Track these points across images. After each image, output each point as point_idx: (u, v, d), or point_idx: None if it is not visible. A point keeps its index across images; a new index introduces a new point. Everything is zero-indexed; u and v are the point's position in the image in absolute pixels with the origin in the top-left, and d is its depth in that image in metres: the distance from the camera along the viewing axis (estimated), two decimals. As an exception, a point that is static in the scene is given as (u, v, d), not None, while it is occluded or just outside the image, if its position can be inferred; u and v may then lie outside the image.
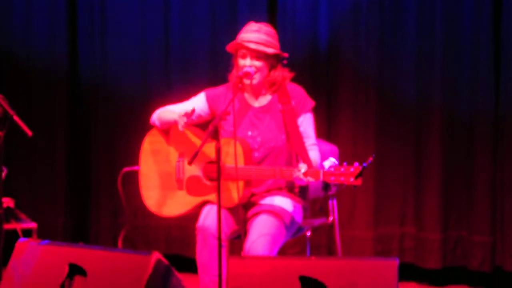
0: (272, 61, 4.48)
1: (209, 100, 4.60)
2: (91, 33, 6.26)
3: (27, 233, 5.38)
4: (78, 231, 6.34)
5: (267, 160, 4.46)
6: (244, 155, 4.36)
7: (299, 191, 4.56)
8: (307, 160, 4.27)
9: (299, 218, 4.53)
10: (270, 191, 4.51)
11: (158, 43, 6.15)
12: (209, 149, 4.32)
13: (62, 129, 6.29)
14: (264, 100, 4.55)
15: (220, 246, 3.98)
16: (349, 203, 5.85)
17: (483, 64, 5.57)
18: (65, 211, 6.30)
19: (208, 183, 4.46)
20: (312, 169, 4.16)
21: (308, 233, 4.78)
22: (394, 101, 5.80)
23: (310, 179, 4.15)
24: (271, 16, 5.92)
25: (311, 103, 4.54)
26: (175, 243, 6.16)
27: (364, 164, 4.03)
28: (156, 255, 3.94)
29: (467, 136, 5.67)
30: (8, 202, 5.51)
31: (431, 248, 5.72)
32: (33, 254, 4.11)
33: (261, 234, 4.27)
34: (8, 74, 6.30)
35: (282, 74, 4.51)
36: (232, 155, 4.29)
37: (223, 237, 4.31)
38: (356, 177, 4.07)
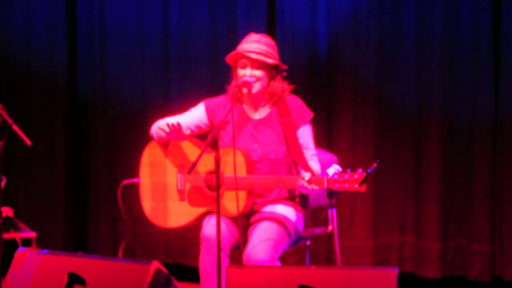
0: (272, 72, 4.48)
1: (208, 110, 4.60)
2: (91, 42, 6.26)
3: (26, 242, 5.37)
4: (77, 240, 6.34)
5: (268, 172, 4.46)
6: (246, 164, 4.36)
7: (300, 201, 4.56)
8: (308, 170, 4.28)
9: (300, 226, 4.53)
10: (273, 200, 4.51)
11: (157, 52, 6.16)
12: (210, 159, 4.32)
13: (61, 138, 6.29)
14: (264, 112, 4.56)
15: (219, 255, 3.98)
16: (348, 212, 5.85)
17: (483, 70, 5.58)
18: (65, 220, 6.29)
19: (210, 193, 4.46)
20: (316, 177, 4.17)
21: (308, 242, 4.78)
22: (393, 108, 5.80)
23: (315, 186, 4.17)
24: (270, 23, 5.93)
25: (310, 114, 4.55)
26: (174, 252, 6.15)
27: (369, 171, 4.03)
28: (155, 264, 3.94)
29: (466, 144, 5.67)
30: (7, 211, 5.50)
31: (431, 257, 5.72)
32: (32, 263, 4.11)
33: (263, 240, 4.27)
34: (7, 83, 6.30)
35: (282, 86, 4.52)
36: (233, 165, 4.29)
37: (226, 246, 4.32)
38: (361, 184, 4.08)
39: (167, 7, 6.11)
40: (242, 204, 4.33)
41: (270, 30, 5.88)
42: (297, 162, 4.39)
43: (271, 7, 5.96)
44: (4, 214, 5.40)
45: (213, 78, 5.96)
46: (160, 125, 4.55)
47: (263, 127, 4.52)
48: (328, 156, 4.97)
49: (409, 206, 5.81)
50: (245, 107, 4.57)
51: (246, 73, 4.43)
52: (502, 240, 5.59)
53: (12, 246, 4.93)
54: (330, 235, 4.86)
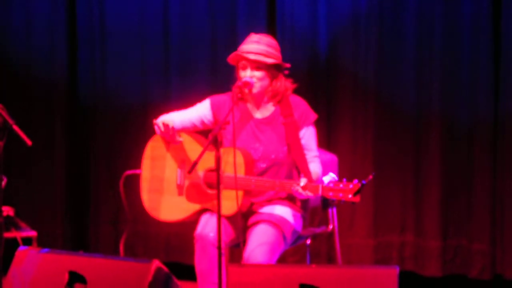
0: (273, 71, 4.48)
1: (213, 107, 4.61)
2: (91, 42, 6.26)
3: (27, 241, 5.37)
4: (78, 239, 6.34)
5: (269, 172, 4.46)
6: (245, 165, 4.36)
7: (299, 201, 4.56)
8: (307, 172, 4.28)
9: (298, 227, 4.53)
10: (270, 201, 4.51)
11: (158, 51, 6.16)
12: (211, 157, 4.32)
13: (61, 138, 6.29)
14: (267, 111, 4.55)
15: (220, 254, 3.98)
16: (349, 211, 5.85)
17: (482, 71, 5.58)
18: (65, 219, 6.30)
19: (208, 190, 4.47)
20: (311, 184, 4.17)
21: (308, 241, 4.78)
22: (393, 109, 5.80)
23: (309, 193, 4.16)
24: (270, 25, 5.93)
25: (313, 116, 4.55)
26: (175, 251, 6.15)
27: (364, 182, 4.03)
28: (156, 263, 3.95)
29: (466, 144, 5.67)
30: (8, 210, 5.51)
31: (431, 256, 5.72)
32: (33, 262, 4.12)
33: (260, 243, 4.27)
34: (8, 83, 6.30)
35: (285, 84, 4.52)
36: (233, 164, 4.30)
37: (222, 245, 4.31)
38: (355, 194, 4.06)
39: (167, 7, 6.12)
40: (238, 203, 4.33)
41: (270, 31, 5.87)
42: (298, 163, 4.39)
43: (271, 9, 5.96)
44: (5, 213, 5.40)
45: (213, 78, 5.97)
46: (158, 122, 4.55)
47: (265, 127, 4.52)
48: (329, 156, 4.98)
49: (410, 205, 5.81)
50: (249, 105, 4.57)
51: (246, 74, 4.43)
52: (502, 239, 5.59)
53: (13, 245, 4.93)
54: (331, 234, 4.86)
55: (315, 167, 4.46)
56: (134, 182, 4.82)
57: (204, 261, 4.35)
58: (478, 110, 5.62)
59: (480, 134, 5.62)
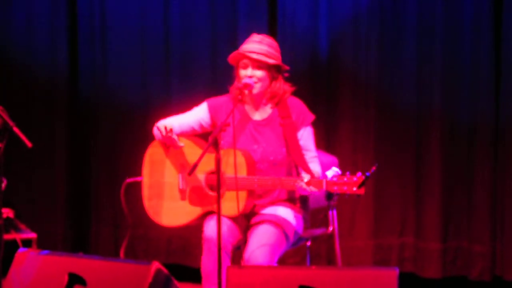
0: (273, 72, 4.49)
1: (211, 110, 4.61)
2: (92, 43, 6.26)
3: (26, 243, 5.37)
4: (78, 241, 6.34)
5: (268, 173, 4.46)
6: (247, 165, 4.37)
7: (300, 202, 4.57)
8: (308, 172, 4.28)
9: (300, 228, 4.54)
10: (272, 201, 4.51)
11: (158, 52, 6.16)
12: (211, 159, 4.30)
13: (62, 139, 6.29)
14: (265, 113, 4.56)
15: (220, 255, 3.98)
16: (349, 213, 5.85)
17: (483, 72, 5.58)
18: (65, 221, 6.29)
19: (210, 193, 4.46)
20: (315, 179, 4.17)
21: (308, 243, 4.78)
22: (394, 110, 5.80)
23: (313, 188, 4.17)
24: (271, 26, 5.94)
25: (311, 116, 4.56)
26: (175, 253, 6.15)
27: (367, 174, 4.04)
28: (156, 265, 3.94)
29: (467, 145, 5.67)
30: (8, 212, 5.51)
31: (431, 257, 5.71)
32: (33, 264, 4.12)
33: (261, 244, 4.27)
34: (8, 85, 6.30)
35: (283, 87, 4.52)
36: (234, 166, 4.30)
37: (228, 247, 4.33)
38: (359, 186, 4.08)
39: (168, 6, 6.12)
40: (242, 204, 4.34)
41: (271, 32, 5.88)
42: (298, 164, 4.40)
43: (272, 9, 5.97)
44: (4, 215, 5.41)
45: (213, 79, 5.97)
46: (160, 126, 4.56)
47: (263, 128, 4.52)
48: (329, 158, 4.98)
49: (410, 207, 5.80)
50: (247, 107, 4.58)
51: (247, 73, 4.43)
52: (503, 240, 5.59)
53: (12, 247, 4.93)
54: (331, 236, 4.86)
55: (315, 167, 4.47)
56: (134, 187, 4.80)
57: (210, 263, 4.33)
58: (478, 111, 5.62)
59: (480, 135, 5.62)
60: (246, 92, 4.42)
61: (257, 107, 4.56)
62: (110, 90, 6.25)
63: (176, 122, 4.59)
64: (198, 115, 4.62)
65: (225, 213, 4.33)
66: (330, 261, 5.86)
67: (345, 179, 4.10)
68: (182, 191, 4.54)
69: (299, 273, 3.89)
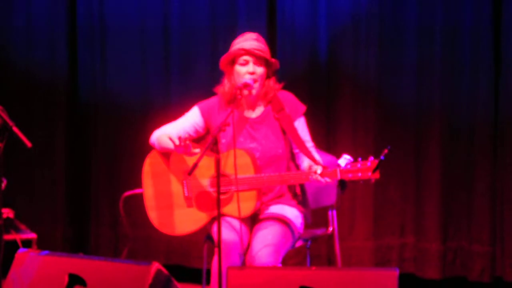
0: (269, 70, 4.49)
1: (203, 113, 4.60)
2: (91, 43, 6.26)
3: (26, 243, 5.37)
4: (78, 242, 6.34)
5: (268, 169, 4.45)
6: (253, 164, 4.36)
7: (301, 198, 4.56)
8: (314, 160, 4.28)
9: (301, 227, 4.53)
10: (274, 199, 4.51)
11: (158, 52, 6.16)
12: (213, 163, 4.30)
13: (61, 139, 6.29)
14: (259, 110, 4.56)
15: (220, 256, 3.98)
16: (349, 213, 5.85)
17: (483, 72, 5.59)
18: (65, 221, 6.29)
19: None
20: (328, 169, 4.16)
21: (309, 244, 4.78)
22: (393, 111, 5.81)
23: (328, 179, 4.16)
24: (270, 26, 5.94)
25: (302, 107, 4.55)
26: (175, 254, 6.14)
27: (382, 157, 4.03)
28: (156, 265, 3.94)
29: (467, 145, 5.68)
30: (7, 212, 5.51)
31: (431, 258, 5.72)
32: (33, 264, 4.11)
33: (266, 244, 4.26)
34: (8, 86, 6.30)
35: (274, 85, 4.52)
36: (242, 166, 4.31)
37: (241, 249, 4.30)
38: (374, 171, 4.07)
39: (168, 7, 6.12)
40: (253, 204, 4.33)
41: (270, 32, 5.89)
42: (303, 153, 4.39)
43: (272, 10, 5.97)
44: (4, 215, 5.40)
45: (213, 80, 5.95)
46: (163, 139, 4.49)
47: (259, 125, 4.52)
48: (329, 157, 4.97)
49: (410, 207, 5.81)
50: (241, 106, 4.56)
51: (249, 69, 4.42)
52: (502, 241, 5.59)
53: (12, 247, 4.93)
54: (331, 236, 4.86)
55: (316, 155, 4.46)
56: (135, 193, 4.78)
57: (223, 265, 4.29)
58: (478, 111, 5.62)
59: (480, 136, 5.63)
60: (246, 92, 4.41)
61: (251, 107, 4.55)
62: (109, 91, 6.24)
63: (172, 130, 4.56)
64: (192, 120, 4.60)
65: (235, 214, 4.32)
66: (330, 261, 5.86)
67: (359, 165, 4.11)
68: (187, 198, 4.50)
69: (300, 274, 3.89)
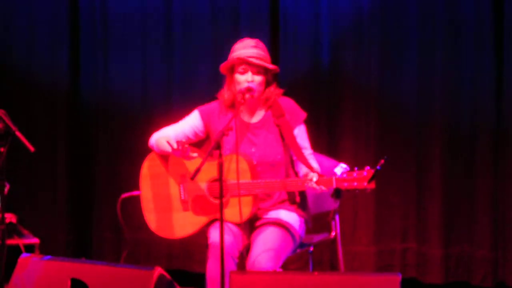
0: (269, 77, 4.49)
1: (203, 117, 4.59)
2: (93, 47, 6.27)
3: (29, 248, 5.38)
4: (81, 247, 6.34)
5: (267, 174, 4.45)
6: (250, 170, 4.36)
7: (300, 203, 4.56)
8: (310, 168, 4.28)
9: (302, 232, 4.53)
10: (275, 205, 4.51)
11: (160, 56, 6.17)
12: (212, 167, 4.31)
13: (63, 144, 6.30)
14: (259, 116, 4.55)
15: (222, 261, 3.98)
16: (351, 218, 5.85)
17: (485, 76, 5.59)
18: (68, 226, 6.30)
19: (214, 201, 4.44)
20: (324, 177, 4.16)
21: (311, 249, 4.78)
22: (395, 116, 5.81)
23: (323, 187, 4.16)
24: (272, 33, 5.94)
25: (303, 114, 4.55)
26: (177, 258, 6.14)
27: (378, 167, 4.02)
28: (158, 270, 3.94)
29: (469, 150, 5.68)
30: (10, 217, 5.51)
31: (433, 263, 5.71)
32: (36, 269, 4.11)
33: (266, 249, 4.26)
34: (10, 91, 6.31)
35: (275, 91, 4.52)
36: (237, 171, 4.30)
37: (235, 253, 4.31)
38: (369, 181, 4.07)
39: (170, 9, 6.13)
40: (248, 209, 4.33)
41: (273, 36, 5.89)
42: (300, 161, 4.39)
43: (274, 14, 5.97)
44: (7, 220, 5.41)
45: (215, 83, 5.95)
46: (162, 142, 4.51)
47: (259, 131, 4.52)
48: (330, 162, 4.97)
49: (412, 212, 5.81)
50: (241, 112, 4.56)
51: (247, 78, 4.42)
52: (505, 246, 5.59)
53: (15, 252, 4.94)
54: (333, 241, 4.85)
55: (314, 164, 4.46)
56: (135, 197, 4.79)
57: (216, 269, 4.30)
58: (480, 117, 5.63)
59: (482, 141, 5.63)
60: (248, 96, 4.40)
61: (251, 112, 4.55)
62: (110, 94, 6.25)
63: (171, 133, 4.56)
64: (192, 123, 4.60)
65: (231, 219, 4.33)
66: (332, 266, 5.85)
67: (355, 174, 4.10)
68: (184, 202, 4.50)
69: (302, 279, 3.89)
